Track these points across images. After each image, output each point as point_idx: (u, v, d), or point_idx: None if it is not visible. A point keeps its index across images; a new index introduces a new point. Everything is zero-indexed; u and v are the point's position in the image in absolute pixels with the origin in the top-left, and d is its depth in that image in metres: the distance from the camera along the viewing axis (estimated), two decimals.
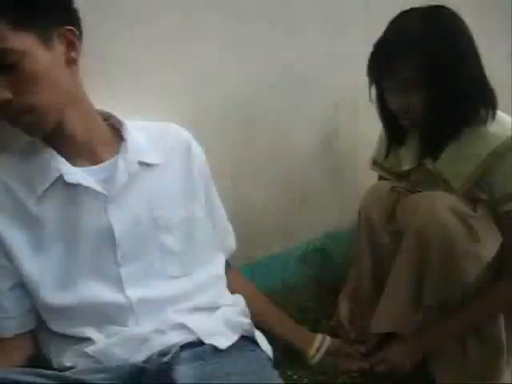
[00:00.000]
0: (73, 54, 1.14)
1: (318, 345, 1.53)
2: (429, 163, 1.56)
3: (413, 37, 1.44)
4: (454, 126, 1.49)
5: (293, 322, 1.58)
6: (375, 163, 1.77)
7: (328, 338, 1.55)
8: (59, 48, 1.12)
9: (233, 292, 1.39)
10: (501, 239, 1.48)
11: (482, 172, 1.47)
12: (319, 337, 1.55)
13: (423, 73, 1.43)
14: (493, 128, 1.47)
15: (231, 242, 1.50)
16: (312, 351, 1.52)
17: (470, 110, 1.47)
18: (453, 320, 1.52)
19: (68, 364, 1.15)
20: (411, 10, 1.49)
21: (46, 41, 1.09)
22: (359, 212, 1.65)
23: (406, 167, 1.64)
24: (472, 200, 1.49)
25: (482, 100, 1.49)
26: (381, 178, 1.77)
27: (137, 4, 1.48)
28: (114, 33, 1.46)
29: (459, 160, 1.50)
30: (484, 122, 1.47)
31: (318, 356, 1.52)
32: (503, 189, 1.46)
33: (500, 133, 1.46)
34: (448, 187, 1.52)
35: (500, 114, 1.51)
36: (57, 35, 1.12)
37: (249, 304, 1.39)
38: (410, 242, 1.48)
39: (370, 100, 1.56)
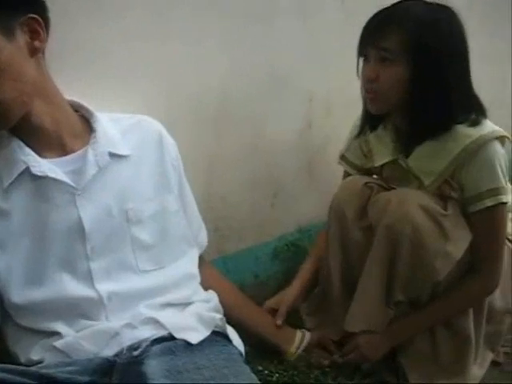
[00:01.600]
0: (36, 44, 1.11)
1: (299, 343, 1.55)
2: (401, 159, 1.56)
3: (407, 14, 1.45)
4: (433, 126, 1.49)
5: (271, 318, 1.58)
6: (343, 158, 1.77)
7: (307, 334, 1.57)
8: (22, 38, 1.09)
9: (207, 287, 1.38)
10: (470, 238, 1.49)
11: (453, 170, 1.49)
12: (299, 334, 1.57)
13: (408, 50, 1.43)
14: (467, 128, 1.48)
15: (203, 236, 1.49)
16: (292, 349, 1.54)
17: (452, 114, 1.48)
18: (423, 313, 1.54)
19: (35, 358, 1.13)
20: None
21: (7, 31, 1.06)
22: (330, 207, 1.64)
23: (379, 163, 1.64)
24: (443, 198, 1.51)
25: (466, 107, 1.49)
26: (346, 173, 1.77)
27: None
28: (87, 25, 1.43)
29: (431, 157, 1.51)
30: (463, 124, 1.48)
31: (297, 353, 1.54)
32: (473, 188, 1.48)
33: (472, 132, 1.47)
34: (419, 184, 1.53)
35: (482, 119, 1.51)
36: (19, 24, 1.08)
37: (225, 299, 1.39)
38: (381, 239, 1.48)
39: (358, 76, 1.55)
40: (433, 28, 1.44)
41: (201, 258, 1.43)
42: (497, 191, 1.46)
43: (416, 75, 1.44)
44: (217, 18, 1.72)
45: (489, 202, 1.46)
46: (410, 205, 1.45)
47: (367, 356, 1.53)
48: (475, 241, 1.50)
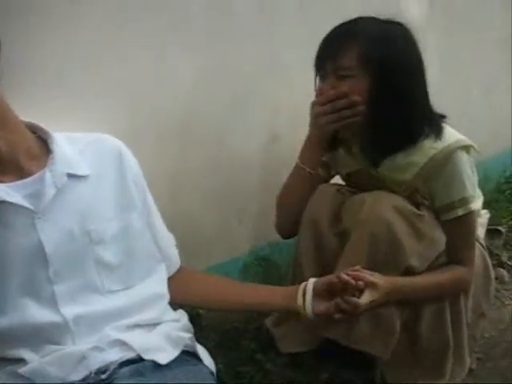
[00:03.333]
0: None
1: (302, 295, 1.36)
2: (371, 169, 1.57)
3: (362, 31, 1.49)
4: (396, 142, 1.52)
5: (267, 286, 1.53)
6: None
7: (310, 282, 1.38)
8: None
9: (194, 288, 1.40)
10: (445, 239, 1.54)
11: (423, 180, 1.52)
12: (301, 286, 1.38)
13: (364, 66, 1.46)
14: (432, 139, 1.52)
15: (175, 255, 1.44)
16: (299, 304, 1.36)
17: (412, 128, 1.52)
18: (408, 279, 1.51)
19: None
20: (370, 16, 1.54)
21: None
22: (303, 215, 1.64)
23: (347, 171, 1.65)
24: (416, 203, 1.53)
25: (426, 120, 1.53)
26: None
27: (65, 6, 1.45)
28: (46, 41, 1.42)
29: (399, 169, 1.55)
30: (427, 137, 1.52)
31: (307, 305, 1.34)
32: (444, 198, 1.53)
33: (437, 143, 1.51)
34: (390, 191, 1.54)
35: (447, 129, 1.55)
36: None
37: (219, 289, 1.41)
38: (356, 240, 1.49)
39: (315, 91, 1.57)
40: (387, 44, 1.48)
41: (182, 268, 1.43)
42: (467, 200, 1.53)
43: (374, 90, 1.47)
44: (180, 32, 1.72)
45: (460, 212, 1.53)
46: (385, 205, 1.48)
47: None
48: (449, 246, 1.54)
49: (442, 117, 1.58)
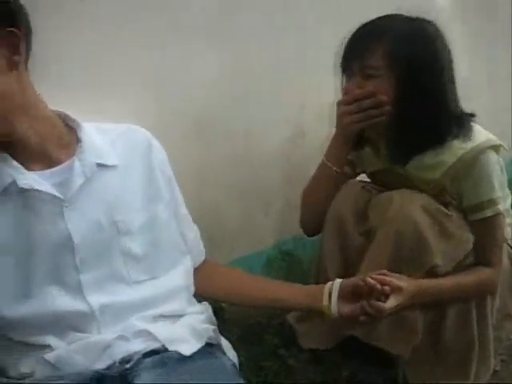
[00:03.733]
0: (16, 58, 1.08)
1: (328, 295, 1.35)
2: (398, 168, 1.56)
3: (388, 29, 1.47)
4: (424, 141, 1.50)
5: (291, 283, 1.48)
6: None
7: (337, 282, 1.36)
8: (0, 53, 1.07)
9: (218, 281, 1.41)
10: (473, 239, 1.53)
11: (450, 180, 1.50)
12: (327, 286, 1.36)
13: (390, 65, 1.44)
14: (461, 138, 1.50)
15: (201, 248, 1.46)
16: (324, 304, 1.35)
17: (440, 128, 1.50)
18: (434, 281, 1.50)
19: (26, 371, 1.11)
20: (396, 14, 1.52)
21: None
22: (327, 213, 1.64)
23: (372, 169, 1.64)
24: (443, 203, 1.52)
25: (455, 119, 1.51)
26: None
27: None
28: (75, 36, 1.43)
29: (426, 168, 1.53)
30: (455, 137, 1.50)
31: (332, 306, 1.33)
32: (472, 199, 1.51)
33: (467, 143, 1.49)
34: (418, 190, 1.53)
35: (477, 128, 1.53)
36: None
37: (242, 284, 1.41)
38: (382, 238, 1.48)
39: (341, 91, 1.56)
40: (415, 42, 1.46)
41: (206, 261, 1.44)
42: (495, 201, 1.51)
43: (400, 89, 1.45)
44: (205, 27, 1.72)
45: (488, 213, 1.51)
46: (412, 203, 1.47)
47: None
48: (476, 246, 1.53)
49: (471, 115, 1.56)
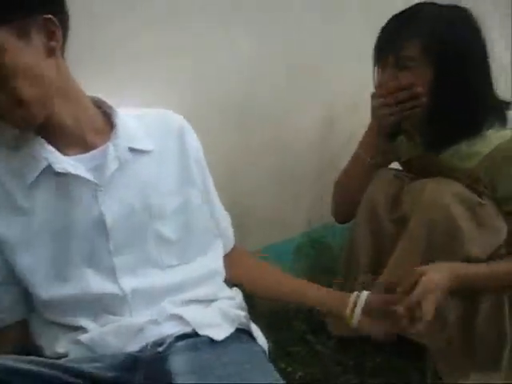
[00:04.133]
0: (53, 44, 1.10)
1: (353, 305, 1.35)
2: (433, 156, 1.56)
3: (423, 18, 1.45)
4: (462, 131, 1.49)
5: (317, 285, 1.46)
6: None
7: (364, 294, 1.36)
8: (38, 39, 1.08)
9: (246, 270, 1.43)
10: (506, 228, 1.49)
11: (485, 169, 1.48)
12: (353, 295, 1.37)
13: (427, 56, 1.42)
14: (497, 128, 1.48)
15: (231, 234, 1.47)
16: (347, 312, 1.35)
17: (477, 118, 1.48)
18: (481, 266, 1.47)
19: (61, 351, 1.14)
20: (429, 2, 1.49)
21: (23, 33, 1.05)
22: (361, 201, 1.64)
23: (406, 157, 1.63)
24: (478, 192, 1.50)
25: (491, 110, 1.49)
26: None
27: None
28: (114, 24, 1.45)
29: (462, 156, 1.51)
30: (491, 127, 1.48)
31: (355, 316, 1.34)
32: (505, 189, 1.48)
33: (504, 133, 1.48)
34: (452, 179, 1.52)
35: None
36: (34, 26, 1.07)
37: (269, 276, 1.43)
38: (415, 226, 1.47)
39: (374, 83, 1.55)
40: (450, 30, 1.44)
41: (235, 249, 1.45)
42: None
43: (438, 79, 1.44)
44: (243, 13, 1.72)
45: None
46: (446, 192, 1.45)
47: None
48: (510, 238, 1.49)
49: (508, 103, 1.53)
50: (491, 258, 1.49)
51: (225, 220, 1.45)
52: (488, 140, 1.48)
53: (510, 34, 2.70)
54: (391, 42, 1.47)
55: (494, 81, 1.51)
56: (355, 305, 1.35)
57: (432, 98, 1.46)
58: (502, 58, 1.56)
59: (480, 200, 1.47)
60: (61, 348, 1.14)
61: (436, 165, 1.56)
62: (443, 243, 1.44)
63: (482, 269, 1.46)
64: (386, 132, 1.59)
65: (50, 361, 1.05)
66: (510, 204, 1.49)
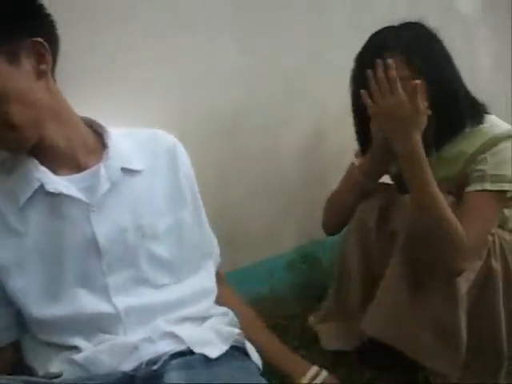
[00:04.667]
0: (43, 67, 1.11)
1: (311, 378, 1.35)
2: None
3: (405, 34, 1.49)
4: (447, 131, 1.51)
5: (284, 347, 1.43)
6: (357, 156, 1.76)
7: (324, 373, 1.37)
8: (27, 62, 1.09)
9: (219, 304, 1.36)
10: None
11: (468, 168, 1.49)
12: (314, 369, 1.37)
13: (411, 69, 1.44)
14: (480, 127, 1.51)
15: (217, 252, 1.46)
16: (303, 381, 1.35)
17: (461, 115, 1.50)
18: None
19: (54, 371, 1.13)
20: (391, 26, 1.54)
21: (13, 58, 1.07)
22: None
23: (396, 170, 1.64)
24: None
25: (470, 106, 1.52)
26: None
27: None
28: (102, 42, 1.47)
29: (448, 161, 1.53)
30: (472, 125, 1.51)
31: None
32: (481, 170, 1.46)
33: (487, 131, 1.50)
34: (441, 187, 1.53)
35: (491, 117, 1.54)
36: (24, 49, 1.08)
37: (239, 321, 1.34)
38: (404, 243, 1.48)
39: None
40: (427, 42, 1.50)
41: (217, 275, 1.41)
42: (500, 178, 1.45)
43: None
44: (232, 28, 1.73)
45: (489, 186, 1.44)
46: None
47: None
48: (462, 218, 1.42)
49: (484, 107, 1.55)
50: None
51: (213, 239, 1.44)
52: (471, 141, 1.50)
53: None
54: (377, 55, 1.46)
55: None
56: (312, 379, 1.34)
57: None
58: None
59: None
60: (54, 368, 1.14)
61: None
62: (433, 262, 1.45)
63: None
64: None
65: (44, 380, 1.05)
66: (478, 183, 1.46)
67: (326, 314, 1.73)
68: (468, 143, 1.50)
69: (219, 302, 1.35)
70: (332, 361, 1.66)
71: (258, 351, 1.33)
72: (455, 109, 1.49)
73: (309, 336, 1.72)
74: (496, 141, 1.47)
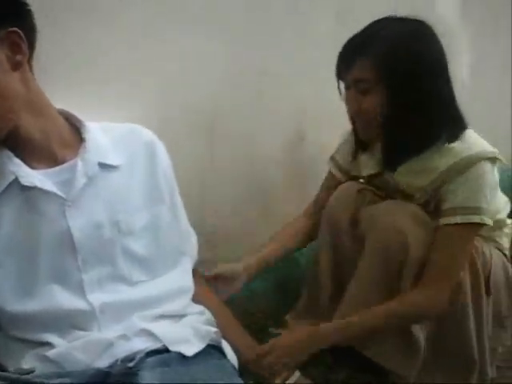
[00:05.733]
0: (18, 57, 1.09)
1: (285, 377, 1.43)
2: (387, 174, 1.58)
3: (378, 37, 1.44)
4: (417, 144, 1.49)
5: (258, 347, 1.47)
6: (332, 159, 1.77)
7: (297, 373, 1.45)
8: (2, 53, 1.07)
9: (195, 302, 1.36)
10: None
11: (439, 185, 1.48)
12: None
13: (381, 77, 1.43)
14: (456, 145, 1.47)
15: (195, 247, 1.46)
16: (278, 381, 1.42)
17: (433, 130, 1.47)
18: (360, 317, 1.48)
19: (26, 368, 1.11)
20: (389, 16, 1.49)
21: None
22: (323, 213, 1.66)
23: (366, 173, 1.65)
24: (432, 210, 1.52)
25: (448, 121, 1.48)
26: (331, 174, 1.77)
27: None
28: (81, 35, 1.45)
29: (417, 173, 1.51)
30: (448, 141, 1.47)
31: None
32: (451, 201, 1.46)
33: (462, 150, 1.46)
34: (406, 198, 1.54)
35: (469, 132, 1.51)
36: None
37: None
38: (370, 251, 1.50)
39: (341, 99, 1.55)
40: (405, 49, 1.43)
41: (194, 273, 1.40)
42: (469, 210, 1.44)
43: (393, 99, 1.44)
44: (211, 32, 1.73)
45: (459, 220, 1.44)
46: (400, 216, 1.48)
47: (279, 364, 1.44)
48: (433, 254, 1.47)
49: (464, 122, 1.51)
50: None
51: (191, 237, 1.43)
52: (445, 157, 1.47)
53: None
54: (346, 64, 1.48)
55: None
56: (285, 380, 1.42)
57: (389, 115, 1.46)
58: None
59: (433, 222, 1.49)
60: (26, 365, 1.12)
61: (391, 183, 1.58)
62: (398, 267, 1.47)
63: (356, 320, 1.47)
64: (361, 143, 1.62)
65: (15, 376, 1.04)
66: (450, 217, 1.46)
67: (301, 312, 1.73)
68: (441, 160, 1.47)
69: (195, 299, 1.34)
70: (307, 360, 1.65)
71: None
72: (423, 122, 1.46)
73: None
74: (468, 163, 1.44)
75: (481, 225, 1.46)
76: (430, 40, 1.47)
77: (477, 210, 1.44)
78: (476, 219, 1.44)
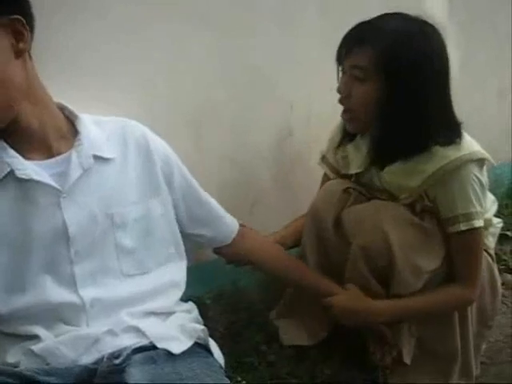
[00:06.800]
0: (21, 45, 1.09)
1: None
2: (375, 173, 1.57)
3: (380, 32, 1.43)
4: (407, 147, 1.48)
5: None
6: (323, 159, 1.77)
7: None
8: (6, 40, 1.07)
9: (253, 248, 1.55)
10: (443, 253, 1.51)
11: (427, 188, 1.48)
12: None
13: (380, 68, 1.42)
14: (444, 147, 1.46)
15: (228, 217, 1.52)
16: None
17: (427, 133, 1.46)
18: (401, 301, 1.53)
19: (11, 361, 1.12)
20: (400, 12, 1.48)
21: None
22: (308, 211, 1.66)
23: (353, 171, 1.64)
24: (418, 212, 1.51)
25: (442, 126, 1.47)
26: (326, 176, 1.77)
27: None
28: (71, 26, 1.44)
29: (404, 175, 1.51)
30: (441, 144, 1.46)
31: None
32: (448, 211, 1.48)
33: (450, 152, 1.45)
34: (392, 198, 1.54)
35: (466, 139, 1.49)
36: (1, 27, 1.06)
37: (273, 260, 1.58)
38: (355, 252, 1.50)
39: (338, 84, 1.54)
40: (407, 46, 1.41)
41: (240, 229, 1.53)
42: (470, 216, 1.47)
43: (389, 94, 1.43)
44: (198, 26, 1.72)
45: (463, 227, 1.47)
46: (384, 216, 1.48)
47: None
48: (452, 258, 1.51)
49: (459, 124, 1.50)
50: (430, 282, 1.52)
51: (219, 210, 1.49)
52: (434, 159, 1.46)
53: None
54: (347, 49, 1.47)
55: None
56: None
57: (382, 110, 1.45)
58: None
59: (419, 222, 1.49)
60: (11, 358, 1.12)
61: (377, 182, 1.58)
62: (382, 270, 1.49)
63: (411, 304, 1.53)
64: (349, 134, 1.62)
65: (9, 369, 1.05)
66: (451, 226, 1.48)
67: (286, 309, 1.74)
68: (429, 162, 1.46)
69: (254, 249, 1.56)
70: (292, 355, 1.67)
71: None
72: (417, 123, 1.44)
73: (271, 331, 1.72)
74: (456, 166, 1.44)
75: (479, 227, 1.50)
76: (436, 42, 1.46)
77: (475, 215, 1.47)
78: (476, 223, 1.48)
